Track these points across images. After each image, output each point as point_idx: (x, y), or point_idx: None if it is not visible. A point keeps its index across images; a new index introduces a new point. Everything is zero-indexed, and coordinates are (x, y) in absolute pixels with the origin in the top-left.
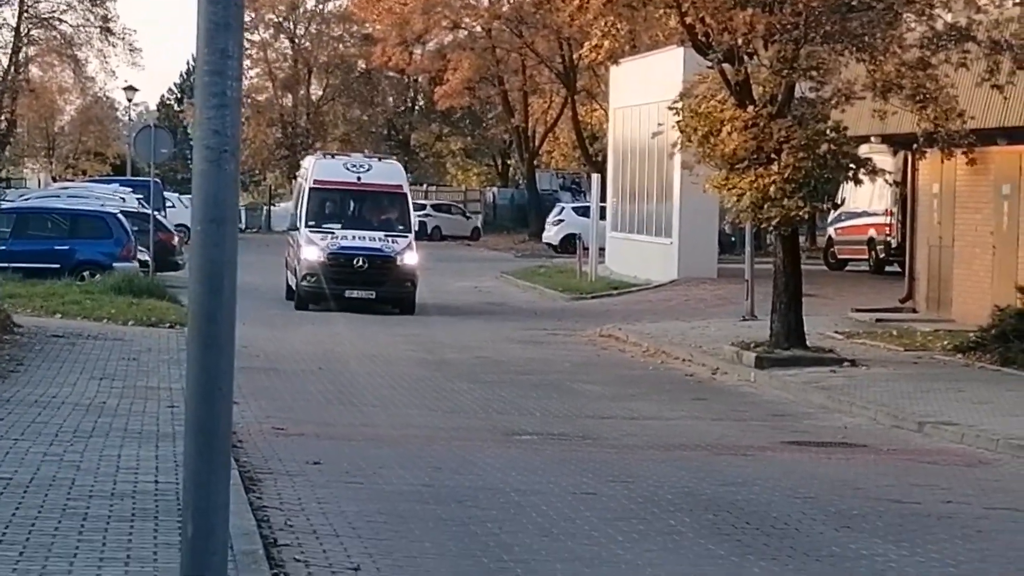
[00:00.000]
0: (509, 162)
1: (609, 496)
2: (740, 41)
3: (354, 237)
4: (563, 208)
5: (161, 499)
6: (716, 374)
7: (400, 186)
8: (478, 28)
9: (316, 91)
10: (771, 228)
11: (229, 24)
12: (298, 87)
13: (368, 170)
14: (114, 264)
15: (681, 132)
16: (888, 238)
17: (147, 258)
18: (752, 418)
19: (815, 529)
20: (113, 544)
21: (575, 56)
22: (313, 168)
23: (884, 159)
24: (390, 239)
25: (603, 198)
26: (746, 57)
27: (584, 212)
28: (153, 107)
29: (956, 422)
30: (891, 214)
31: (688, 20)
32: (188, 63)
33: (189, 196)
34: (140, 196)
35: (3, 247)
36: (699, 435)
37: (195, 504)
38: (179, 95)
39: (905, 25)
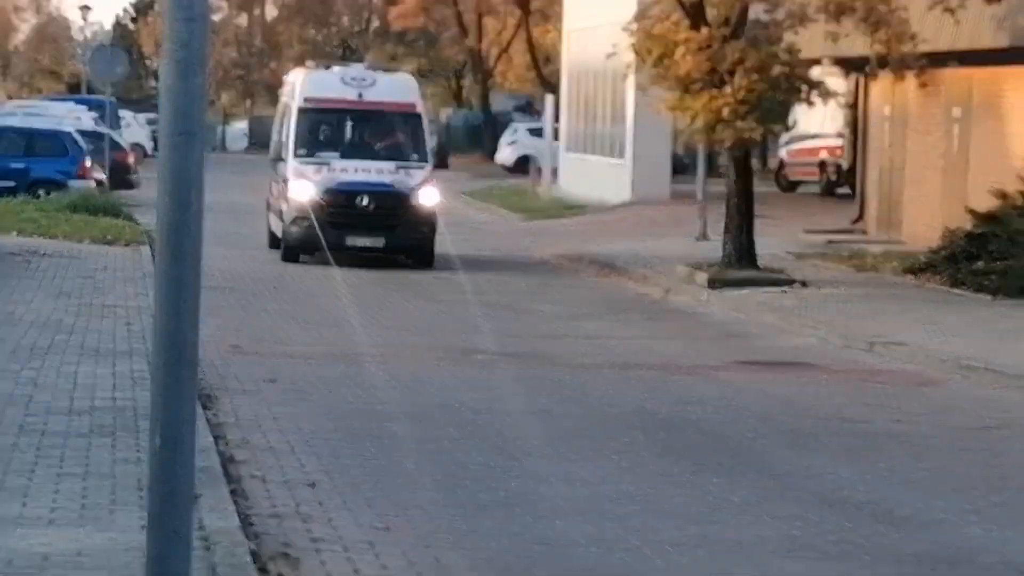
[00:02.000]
0: (463, 83)
1: (564, 415)
2: None
3: (356, 170)
4: (517, 129)
5: (118, 415)
6: (669, 294)
7: (413, 104)
8: None
9: (271, 11)
10: (724, 150)
11: None
12: (253, 6)
13: (372, 84)
14: (70, 182)
15: (636, 54)
16: (839, 160)
17: (102, 176)
18: (704, 338)
19: (767, 447)
20: (71, 459)
21: None
22: (302, 83)
23: (836, 82)
24: (402, 171)
25: (557, 119)
26: None
27: (538, 133)
28: (108, 26)
29: (906, 342)
30: (842, 136)
31: None
32: None
33: (145, 115)
34: (96, 115)
35: None
36: (652, 354)
37: (163, 416)
38: (134, 15)
39: None
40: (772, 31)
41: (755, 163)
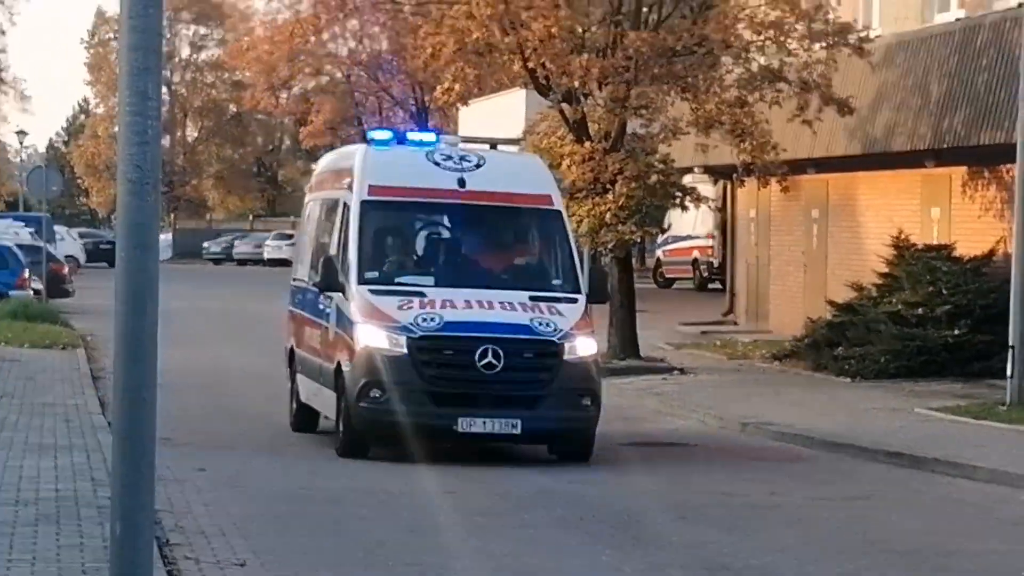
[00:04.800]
0: None
1: (470, 494)
2: (577, 83)
3: (470, 304)
4: None
5: (62, 504)
6: None
7: (549, 198)
8: (339, 74)
9: (191, 133)
10: (607, 251)
11: (149, 68)
12: (175, 129)
13: (478, 167)
14: (10, 292)
15: None
16: (710, 258)
17: (40, 286)
18: None
19: (656, 520)
20: (19, 546)
21: (428, 99)
22: (365, 165)
23: (706, 187)
24: (544, 307)
25: None
26: (583, 97)
27: None
28: (42, 149)
29: (775, 422)
30: (713, 237)
31: (530, 65)
32: (74, 108)
33: (77, 229)
34: (32, 230)
35: None
36: None
37: (122, 505)
38: (66, 138)
39: (724, 67)
40: (648, 143)
41: (635, 262)
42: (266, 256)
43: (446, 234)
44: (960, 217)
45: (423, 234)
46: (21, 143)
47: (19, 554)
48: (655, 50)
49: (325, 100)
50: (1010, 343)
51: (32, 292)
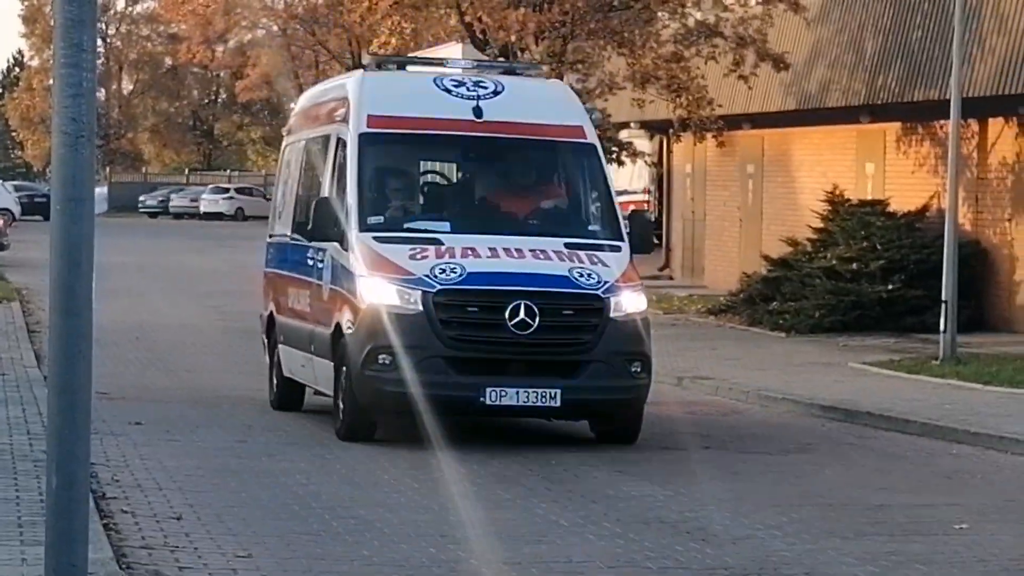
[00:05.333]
0: None
1: (407, 448)
2: (514, 38)
3: (494, 251)
4: None
5: None
6: None
7: (580, 129)
8: (275, 27)
9: (127, 86)
10: None
11: (84, 20)
12: (110, 82)
13: (497, 94)
14: None
15: None
16: (646, 213)
17: None
18: None
19: (591, 474)
20: None
21: (364, 52)
22: (362, 94)
23: (643, 143)
24: (583, 255)
25: None
26: (519, 52)
27: None
28: None
29: (711, 376)
30: (649, 192)
31: (467, 19)
32: (8, 60)
33: (12, 182)
34: None
35: None
36: None
37: (58, 458)
38: (0, 90)
39: (660, 23)
40: (584, 98)
41: None
42: (202, 210)
43: (462, 173)
44: (894, 173)
45: (434, 173)
46: None
47: None
48: (591, 5)
49: (261, 53)
50: (943, 298)
51: None
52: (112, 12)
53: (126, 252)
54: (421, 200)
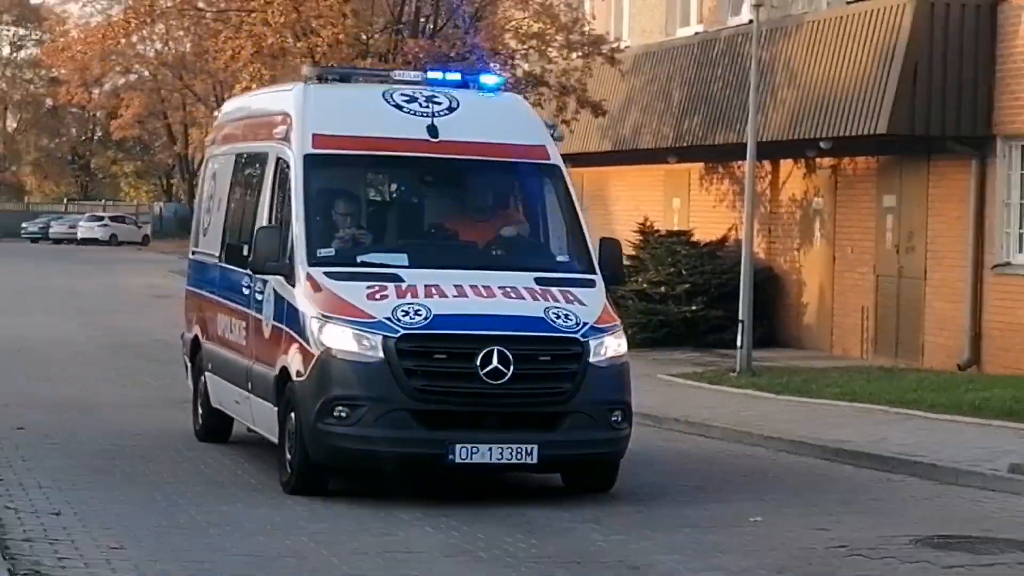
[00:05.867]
0: (173, 181)
1: (268, 450)
2: None
3: (460, 290)
4: None
5: None
6: None
7: (543, 149)
8: (147, 73)
9: (12, 124)
10: None
11: None
12: None
13: (450, 110)
14: None
15: None
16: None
17: None
18: None
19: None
20: None
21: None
22: (304, 110)
23: None
24: (555, 294)
25: None
26: None
27: None
28: None
29: None
30: None
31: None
32: None
33: None
34: None
35: None
36: None
37: None
38: None
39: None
40: None
41: None
42: (79, 236)
43: (416, 199)
44: (697, 207)
45: (385, 199)
46: None
47: None
48: (431, 56)
49: (134, 95)
50: (740, 318)
51: None
52: None
53: (8, 274)
54: (373, 229)
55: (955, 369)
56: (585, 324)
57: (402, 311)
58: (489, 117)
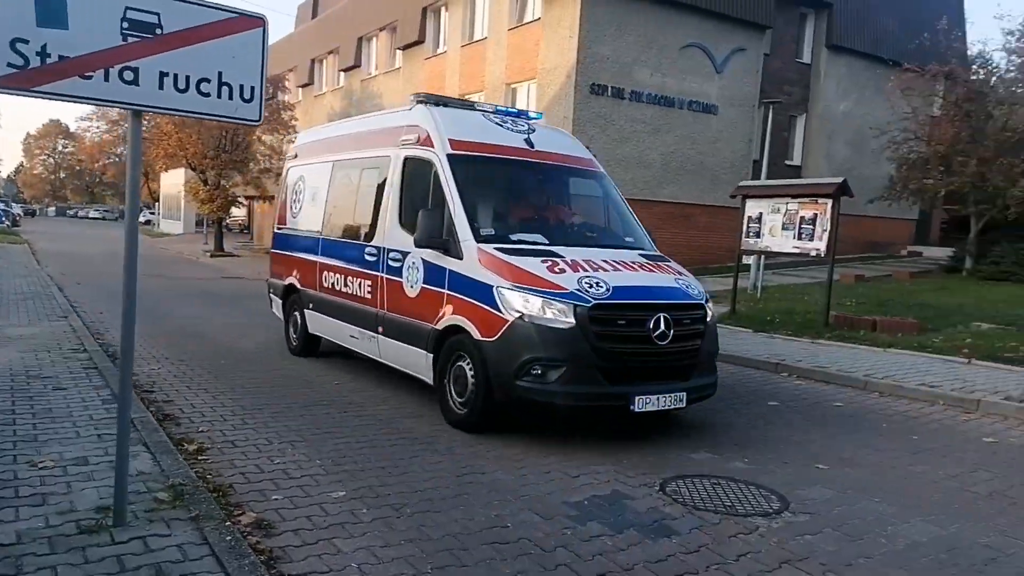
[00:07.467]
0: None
1: (344, 360)
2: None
3: (615, 265)
4: None
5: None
6: None
7: (592, 161)
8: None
9: None
10: None
11: None
12: None
13: (532, 131)
14: None
15: None
16: None
17: None
18: None
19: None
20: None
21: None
22: (436, 121)
23: None
24: (666, 267)
25: None
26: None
27: None
28: None
29: None
30: None
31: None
32: None
33: None
34: None
35: None
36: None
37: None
38: None
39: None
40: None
41: None
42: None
43: (526, 192)
44: None
45: (510, 192)
46: None
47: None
48: (210, 145)
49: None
50: None
51: None
52: None
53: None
54: (511, 216)
55: None
56: (702, 291)
57: (587, 283)
58: (554, 137)
